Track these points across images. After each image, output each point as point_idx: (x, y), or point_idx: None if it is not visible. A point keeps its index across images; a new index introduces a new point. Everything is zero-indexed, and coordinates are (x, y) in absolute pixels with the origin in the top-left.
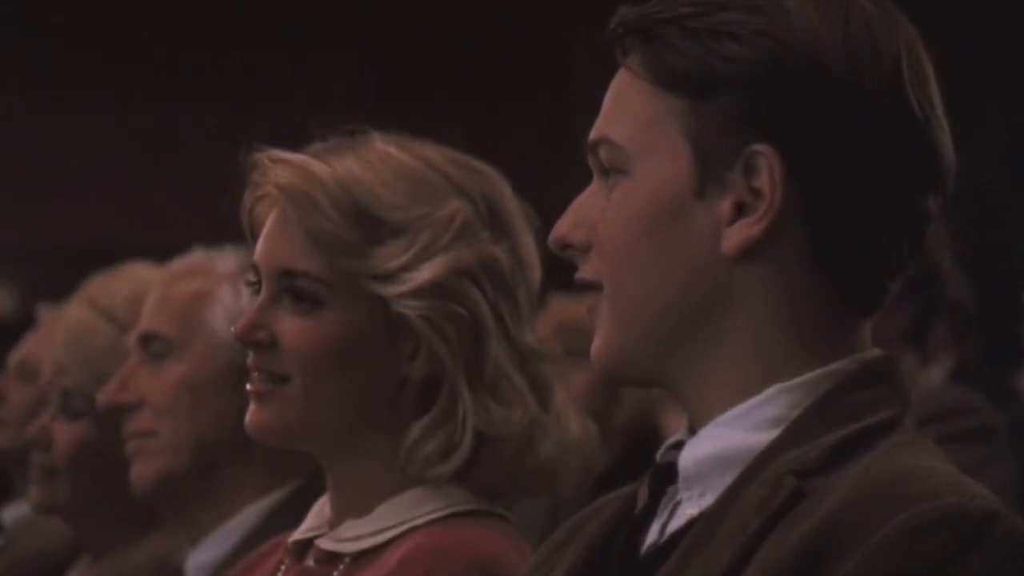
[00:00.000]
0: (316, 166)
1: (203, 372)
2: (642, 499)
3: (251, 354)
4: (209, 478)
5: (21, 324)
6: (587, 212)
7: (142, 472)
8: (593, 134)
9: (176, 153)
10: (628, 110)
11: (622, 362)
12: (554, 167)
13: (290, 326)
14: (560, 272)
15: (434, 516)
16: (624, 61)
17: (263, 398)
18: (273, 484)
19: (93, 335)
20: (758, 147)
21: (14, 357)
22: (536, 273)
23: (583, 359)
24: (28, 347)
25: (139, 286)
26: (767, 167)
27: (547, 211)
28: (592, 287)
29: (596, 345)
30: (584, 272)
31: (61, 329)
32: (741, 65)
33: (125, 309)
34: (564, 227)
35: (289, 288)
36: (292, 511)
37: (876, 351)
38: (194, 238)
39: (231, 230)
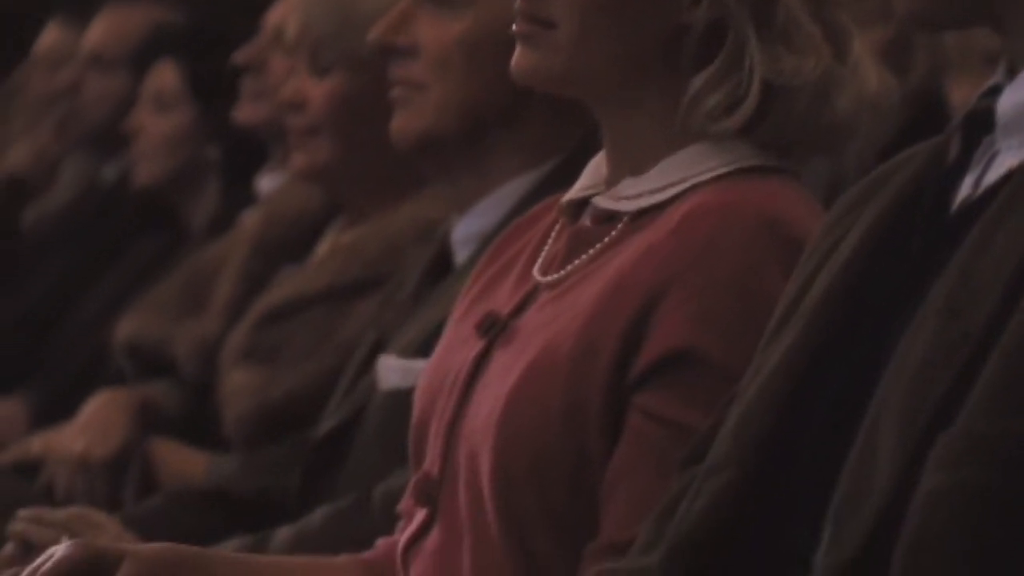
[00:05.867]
0: None
1: (487, 30)
2: (953, 150)
3: None
4: (476, 144)
5: None
6: None
7: (405, 125)
8: None
9: None
10: None
11: None
12: None
13: None
14: None
15: (718, 172)
16: None
17: (529, 41)
18: (543, 157)
19: None
20: None
21: (269, 22)
22: None
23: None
24: (281, 10)
25: None
26: None
27: None
28: None
29: None
30: None
31: None
32: None
33: None
34: None
35: None
36: (565, 179)
37: None
38: None
39: None
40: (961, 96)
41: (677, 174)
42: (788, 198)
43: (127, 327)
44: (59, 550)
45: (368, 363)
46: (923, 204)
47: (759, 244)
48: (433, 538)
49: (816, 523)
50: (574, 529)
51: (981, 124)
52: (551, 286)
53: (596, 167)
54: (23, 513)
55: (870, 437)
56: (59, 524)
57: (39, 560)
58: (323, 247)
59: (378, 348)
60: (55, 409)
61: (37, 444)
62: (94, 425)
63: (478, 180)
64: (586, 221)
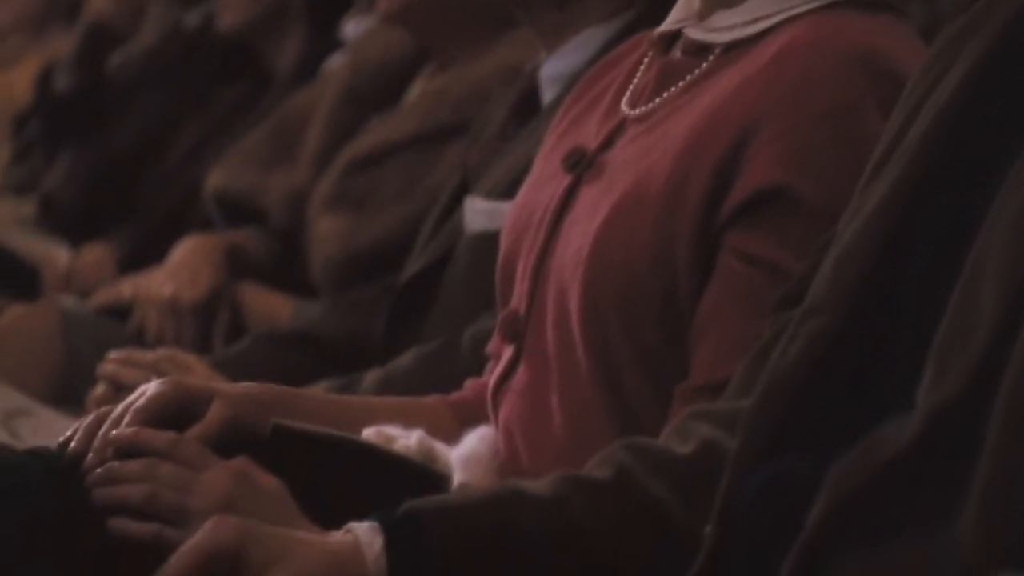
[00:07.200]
0: None
1: None
2: None
3: None
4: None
5: None
6: None
7: None
8: None
9: None
10: None
11: None
12: None
13: None
14: None
15: (814, 5)
16: None
17: None
18: (630, 3)
19: None
20: None
21: None
22: None
23: None
24: None
25: None
26: None
27: None
28: None
29: None
30: None
31: None
32: None
33: None
34: None
35: None
36: (653, 22)
37: None
38: None
39: None
40: None
41: (772, 6)
42: (886, 32)
43: (217, 178)
44: (150, 388)
45: (454, 206)
46: None
47: (855, 79)
48: (520, 376)
49: (915, 365)
50: (664, 367)
51: None
52: (640, 119)
53: (688, 1)
54: (113, 354)
55: (973, 277)
56: (148, 365)
57: (131, 397)
58: (411, 94)
59: (464, 190)
60: (144, 254)
61: (127, 288)
62: (183, 269)
63: (566, 25)
64: (676, 53)
